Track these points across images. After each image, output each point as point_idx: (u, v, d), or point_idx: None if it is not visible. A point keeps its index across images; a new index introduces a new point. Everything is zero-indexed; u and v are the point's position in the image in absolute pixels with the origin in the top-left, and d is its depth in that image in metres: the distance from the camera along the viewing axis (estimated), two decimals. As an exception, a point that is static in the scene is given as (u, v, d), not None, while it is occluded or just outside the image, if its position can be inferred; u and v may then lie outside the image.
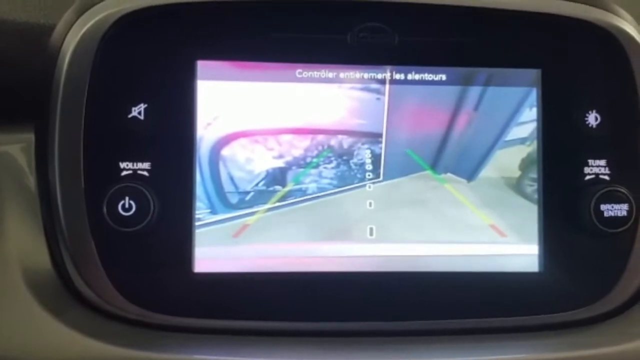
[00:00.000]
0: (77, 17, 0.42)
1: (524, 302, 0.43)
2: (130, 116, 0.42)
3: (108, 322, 0.41)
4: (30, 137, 0.44)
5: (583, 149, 0.43)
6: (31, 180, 0.44)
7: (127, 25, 0.41)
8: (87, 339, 0.39)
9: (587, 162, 0.43)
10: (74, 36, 0.41)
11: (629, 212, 0.42)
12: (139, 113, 0.42)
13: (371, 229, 0.43)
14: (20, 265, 0.41)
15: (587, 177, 0.43)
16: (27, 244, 0.42)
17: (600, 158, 0.43)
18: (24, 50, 0.45)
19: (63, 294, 0.42)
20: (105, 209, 0.40)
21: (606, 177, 0.43)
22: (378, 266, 0.43)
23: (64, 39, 0.42)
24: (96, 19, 0.41)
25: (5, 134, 0.45)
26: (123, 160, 0.41)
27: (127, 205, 0.40)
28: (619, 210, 0.42)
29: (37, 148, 0.43)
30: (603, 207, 0.42)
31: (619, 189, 0.42)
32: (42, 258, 0.42)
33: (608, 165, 0.43)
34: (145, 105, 0.42)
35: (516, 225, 0.43)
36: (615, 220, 0.42)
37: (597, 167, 0.43)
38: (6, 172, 0.44)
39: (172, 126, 0.42)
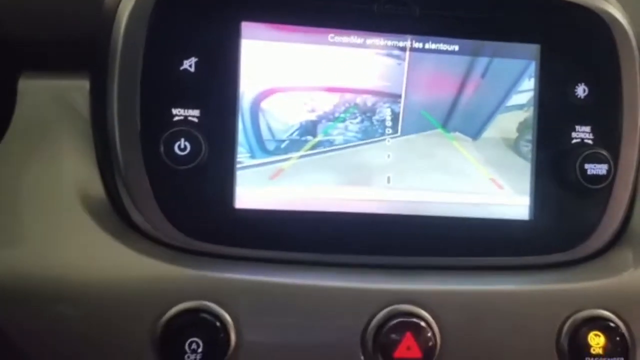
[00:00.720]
0: None
1: (515, 245, 0.49)
2: (182, 68, 0.47)
3: (159, 246, 0.46)
4: (83, 83, 0.49)
5: (572, 116, 0.50)
6: (85, 120, 0.49)
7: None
8: (146, 258, 0.44)
9: (575, 128, 0.50)
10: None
11: (608, 171, 0.49)
12: (190, 66, 0.47)
13: (388, 178, 0.49)
14: (78, 193, 0.47)
15: (574, 141, 0.50)
16: (83, 175, 0.47)
17: (586, 125, 0.50)
18: (83, 6, 0.50)
19: (117, 221, 0.47)
20: (162, 148, 0.45)
21: (590, 142, 0.50)
22: (393, 209, 0.49)
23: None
24: None
25: (60, 79, 0.50)
26: (175, 107, 0.47)
27: (182, 146, 0.46)
28: (600, 169, 0.49)
29: (96, 94, 0.48)
30: (587, 166, 0.49)
31: (600, 151, 0.49)
32: (96, 189, 0.48)
33: (592, 131, 0.50)
34: (196, 59, 0.47)
35: (512, 179, 0.50)
36: (597, 178, 0.49)
37: (582, 133, 0.50)
38: (62, 110, 0.49)
39: (218, 79, 0.47)
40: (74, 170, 0.48)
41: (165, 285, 0.43)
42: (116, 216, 0.47)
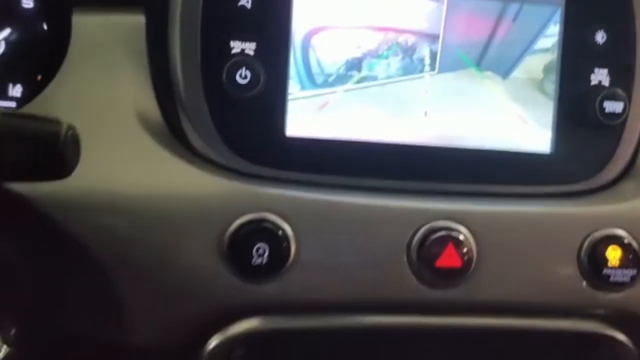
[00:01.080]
0: None
1: (538, 175, 0.54)
2: (239, 4, 0.51)
3: (219, 167, 0.50)
4: (136, 18, 0.52)
5: (591, 59, 0.55)
6: (138, 50, 0.52)
7: None
8: (210, 175, 0.48)
9: (594, 70, 0.55)
10: None
11: (623, 109, 0.54)
12: (247, 2, 0.51)
13: (425, 112, 0.54)
14: (137, 117, 0.50)
15: (593, 83, 0.55)
16: (141, 102, 0.50)
17: (604, 67, 0.55)
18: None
19: (177, 143, 0.51)
20: (224, 76, 0.49)
21: (607, 83, 0.55)
22: (428, 140, 0.54)
23: None
24: None
25: (114, 14, 0.53)
26: (233, 40, 0.50)
27: (243, 75, 0.49)
28: (617, 107, 0.54)
29: (155, 30, 0.52)
30: (605, 104, 0.54)
31: (617, 91, 0.54)
32: (155, 115, 0.51)
33: (609, 73, 0.55)
34: (252, -4, 0.51)
35: (536, 115, 0.55)
36: (613, 115, 0.54)
37: (601, 75, 0.55)
38: (116, 42, 0.52)
39: (273, 15, 0.51)
40: (132, 96, 0.51)
41: (230, 199, 0.48)
42: (175, 140, 0.51)
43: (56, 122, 0.37)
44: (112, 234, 0.47)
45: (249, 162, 0.51)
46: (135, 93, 0.51)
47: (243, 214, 0.47)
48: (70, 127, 0.38)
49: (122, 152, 0.49)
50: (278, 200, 0.48)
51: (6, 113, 0.38)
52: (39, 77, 0.51)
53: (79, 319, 0.48)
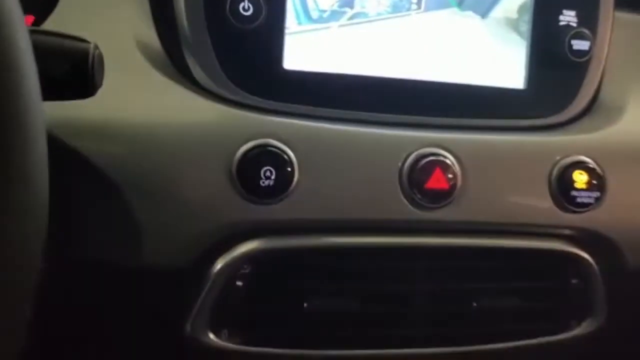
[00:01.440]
0: None
1: (513, 109, 0.59)
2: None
3: (219, 97, 0.53)
4: None
5: (561, 2, 0.60)
6: None
7: None
8: (214, 103, 0.51)
9: (563, 12, 0.60)
10: None
11: (590, 47, 0.59)
12: (246, -64, 0.53)
13: (412, 48, 0.57)
14: (139, 49, 0.51)
15: (562, 23, 0.60)
16: (142, 34, 0.52)
17: (572, 9, 0.60)
18: None
19: (178, 73, 0.52)
20: (228, 6, 0.51)
21: (575, 24, 0.60)
22: (416, 75, 0.57)
23: None
24: None
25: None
26: None
27: (246, 7, 0.51)
28: (584, 45, 0.59)
29: None
30: (573, 42, 0.59)
31: (584, 31, 0.59)
32: (156, 47, 0.53)
33: (577, 15, 0.60)
34: None
35: (511, 53, 0.59)
36: (580, 52, 0.59)
37: (569, 16, 0.60)
38: None
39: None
40: (133, 28, 0.52)
41: (236, 125, 0.51)
42: (177, 72, 0.53)
43: (83, 40, 0.38)
44: (121, 160, 0.49)
45: (249, 93, 0.53)
46: (136, 25, 0.52)
47: (248, 139, 0.50)
48: (97, 47, 0.39)
49: (126, 82, 0.50)
50: (280, 128, 0.51)
51: (40, 30, 0.39)
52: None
53: (92, 242, 0.50)
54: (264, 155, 0.50)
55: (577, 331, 0.60)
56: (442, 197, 0.54)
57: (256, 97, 0.54)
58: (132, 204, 0.49)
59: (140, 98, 0.51)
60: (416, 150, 0.54)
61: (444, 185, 0.53)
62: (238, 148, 0.50)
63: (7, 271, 0.28)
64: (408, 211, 0.53)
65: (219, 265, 0.52)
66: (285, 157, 0.50)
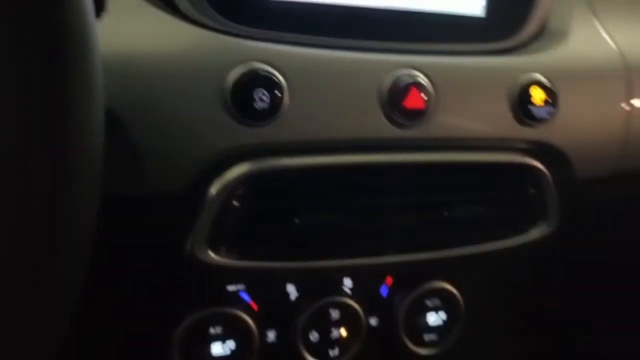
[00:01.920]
0: None
1: (475, 34, 0.64)
2: None
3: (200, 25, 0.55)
4: None
5: None
6: None
7: None
8: (202, 29, 0.53)
9: None
10: None
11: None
12: None
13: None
14: None
15: None
16: None
17: None
18: None
19: (160, 3, 0.54)
20: None
21: None
22: (383, 2, 0.60)
23: None
24: None
25: None
26: None
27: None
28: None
29: None
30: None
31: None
32: None
33: None
34: None
35: (472, -17, 0.64)
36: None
37: None
38: None
39: None
40: None
41: (226, 51, 0.53)
42: (161, 1, 0.55)
43: None
44: (112, 90, 0.51)
45: (235, 22, 0.56)
46: None
47: (237, 63, 0.53)
48: None
49: (110, 12, 0.51)
50: (268, 53, 0.55)
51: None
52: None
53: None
54: (258, 79, 0.53)
55: (534, 234, 0.68)
56: (418, 115, 0.59)
57: (243, 26, 0.56)
58: (128, 135, 0.51)
59: (125, 27, 0.52)
60: (393, 71, 0.58)
61: (420, 104, 0.58)
62: (228, 72, 0.53)
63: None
64: (389, 130, 0.58)
65: (214, 187, 0.55)
66: (276, 80, 0.54)
